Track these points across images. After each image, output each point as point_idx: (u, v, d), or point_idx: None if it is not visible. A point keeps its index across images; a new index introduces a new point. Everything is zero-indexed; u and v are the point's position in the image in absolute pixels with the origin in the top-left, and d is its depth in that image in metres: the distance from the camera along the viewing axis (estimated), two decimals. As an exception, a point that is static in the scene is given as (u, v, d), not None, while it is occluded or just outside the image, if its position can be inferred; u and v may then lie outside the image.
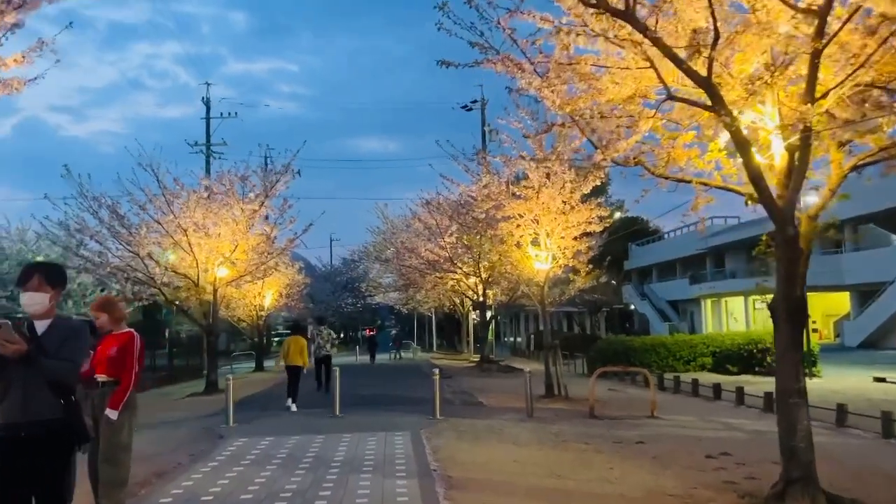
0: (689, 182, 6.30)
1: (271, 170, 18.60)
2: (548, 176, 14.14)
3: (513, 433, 10.29)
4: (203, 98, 37.69)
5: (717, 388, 15.40)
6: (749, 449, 9.09)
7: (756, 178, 5.35)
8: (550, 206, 14.25)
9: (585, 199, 14.59)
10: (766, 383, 18.06)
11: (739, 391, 14.38)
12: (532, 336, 38.03)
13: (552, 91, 6.25)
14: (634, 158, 6.49)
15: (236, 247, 18.59)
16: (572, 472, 7.60)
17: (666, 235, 61.60)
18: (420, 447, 8.89)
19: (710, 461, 8.24)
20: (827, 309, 44.88)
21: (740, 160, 5.79)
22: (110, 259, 18.09)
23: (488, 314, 28.43)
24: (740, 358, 21.76)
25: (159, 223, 17.95)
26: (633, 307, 59.21)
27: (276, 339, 61.01)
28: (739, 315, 47.78)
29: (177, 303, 19.15)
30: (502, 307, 29.23)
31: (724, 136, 5.86)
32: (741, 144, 5.30)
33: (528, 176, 14.75)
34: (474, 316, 34.16)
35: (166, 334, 37.80)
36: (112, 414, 5.45)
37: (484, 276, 24.64)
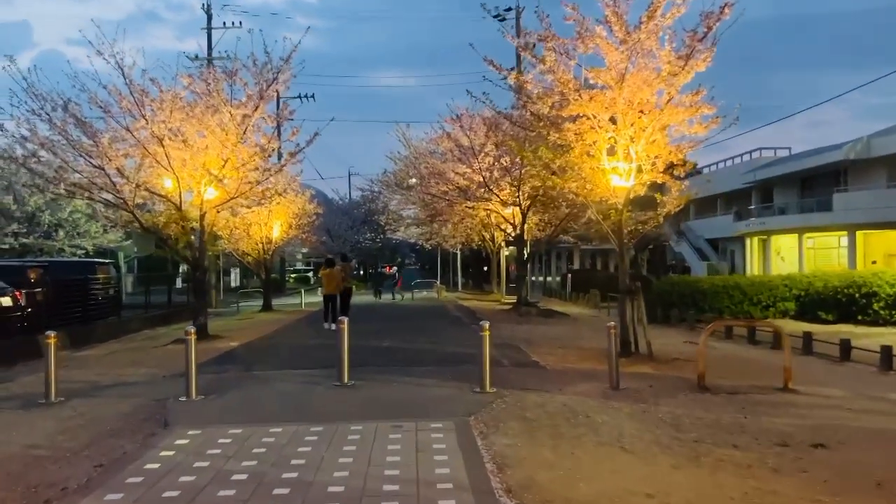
0: None
1: (266, 63, 14.73)
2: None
3: (609, 424, 6.74)
4: (203, 4, 33.43)
5: (845, 347, 11.75)
6: None
7: None
8: (638, 100, 10.34)
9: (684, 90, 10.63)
10: (881, 336, 14.47)
11: (886, 352, 10.71)
12: (569, 275, 34.36)
13: None
14: None
15: (226, 161, 14.92)
16: (770, 532, 4.04)
17: (705, 169, 57.09)
18: (475, 459, 5.36)
19: None
20: (889, 248, 40.74)
21: None
22: (71, 175, 14.50)
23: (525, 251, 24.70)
24: (837, 304, 18.01)
25: (128, 130, 14.28)
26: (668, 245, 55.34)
27: (293, 275, 58.15)
28: (788, 254, 43.83)
29: (154, 231, 15.60)
30: (542, 243, 25.48)
31: None
32: None
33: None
34: (507, 252, 30.54)
35: (181, 269, 34.74)
36: None
37: (524, 204, 20.83)
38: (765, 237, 45.82)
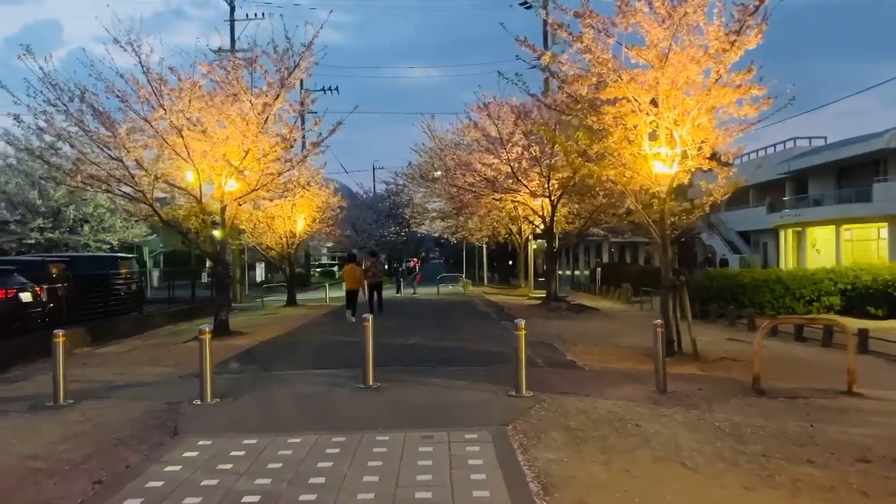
0: None
1: (287, 49, 14.17)
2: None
3: (663, 434, 6.06)
4: (226, -3, 32.98)
5: (906, 345, 10.92)
6: None
7: None
8: (683, 80, 9.59)
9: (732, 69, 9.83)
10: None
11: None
12: (598, 269, 33.49)
13: None
14: None
15: (247, 152, 14.40)
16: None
17: (736, 160, 55.64)
18: (517, 477, 4.73)
19: None
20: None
21: None
22: (88, 167, 14.07)
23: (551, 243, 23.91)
24: (887, 298, 17.05)
25: (146, 120, 13.82)
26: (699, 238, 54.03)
27: (318, 269, 57.88)
28: (825, 247, 42.51)
29: (173, 224, 15.16)
30: (571, 236, 24.68)
31: None
32: None
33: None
34: (534, 245, 29.81)
35: (207, 263, 34.45)
36: None
37: (554, 195, 20.12)
38: (800, 229, 44.56)
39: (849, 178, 42.89)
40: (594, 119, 10.11)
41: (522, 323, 7.73)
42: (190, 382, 8.71)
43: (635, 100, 10.08)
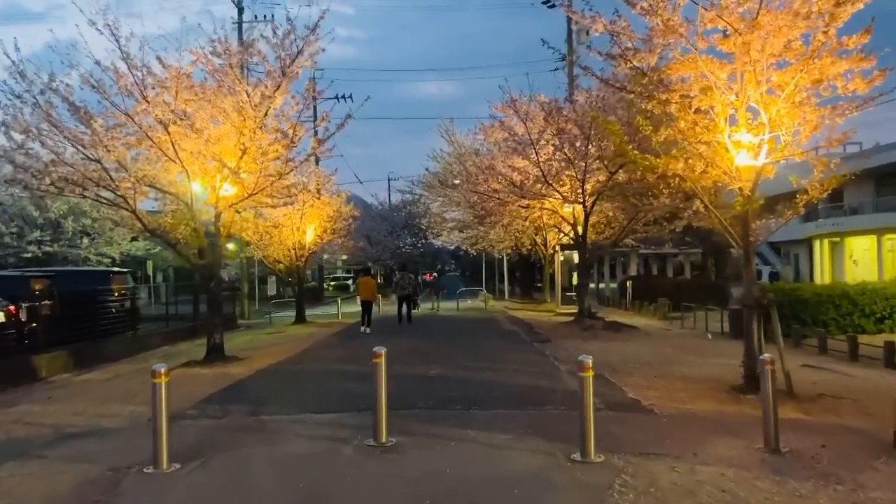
0: None
1: (288, 32, 12.31)
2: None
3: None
4: (234, -2, 31.40)
5: None
6: None
7: None
8: (779, 46, 7.58)
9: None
10: None
11: None
12: (630, 282, 31.29)
13: None
14: None
15: (244, 152, 12.55)
16: None
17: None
18: None
19: None
20: None
21: None
22: (60, 168, 12.23)
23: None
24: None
25: (128, 115, 11.99)
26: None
27: (332, 283, 55.98)
28: (864, 258, 40.23)
29: (160, 234, 13.30)
30: (605, 247, 22.57)
31: None
32: None
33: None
34: (562, 257, 27.74)
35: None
36: None
37: (589, 201, 18.12)
38: (837, 239, 42.32)
39: (889, 185, 40.80)
40: (664, 97, 8.09)
41: (589, 361, 5.73)
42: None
43: (712, 74, 8.08)
